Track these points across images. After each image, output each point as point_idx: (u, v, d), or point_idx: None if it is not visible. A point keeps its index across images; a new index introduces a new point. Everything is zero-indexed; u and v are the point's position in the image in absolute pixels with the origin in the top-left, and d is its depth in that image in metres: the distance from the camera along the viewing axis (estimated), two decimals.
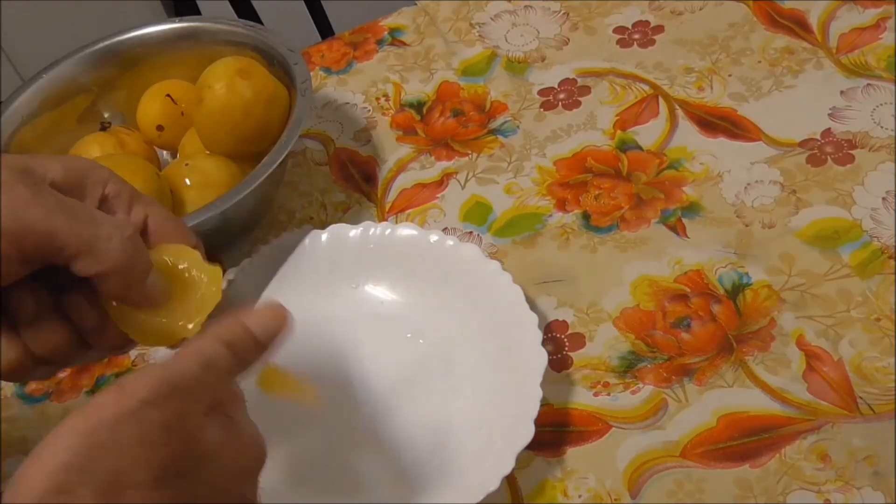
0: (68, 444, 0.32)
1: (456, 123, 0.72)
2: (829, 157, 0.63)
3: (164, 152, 0.73)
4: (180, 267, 0.41)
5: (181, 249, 0.42)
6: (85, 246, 0.37)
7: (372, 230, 0.61)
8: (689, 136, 0.67)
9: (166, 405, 0.33)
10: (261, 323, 0.38)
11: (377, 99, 0.75)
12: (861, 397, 0.51)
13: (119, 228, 0.38)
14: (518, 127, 0.70)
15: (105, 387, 0.34)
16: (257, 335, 0.38)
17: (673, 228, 0.61)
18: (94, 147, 0.66)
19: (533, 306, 0.55)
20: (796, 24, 0.73)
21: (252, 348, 0.37)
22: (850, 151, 0.63)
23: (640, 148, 0.67)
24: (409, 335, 0.58)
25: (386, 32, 0.81)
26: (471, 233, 0.64)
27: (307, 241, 0.61)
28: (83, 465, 0.31)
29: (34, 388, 0.61)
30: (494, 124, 0.71)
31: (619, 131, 0.68)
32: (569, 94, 0.72)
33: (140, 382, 0.33)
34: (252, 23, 0.70)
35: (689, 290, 0.58)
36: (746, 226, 0.60)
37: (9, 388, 0.61)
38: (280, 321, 0.39)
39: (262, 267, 0.59)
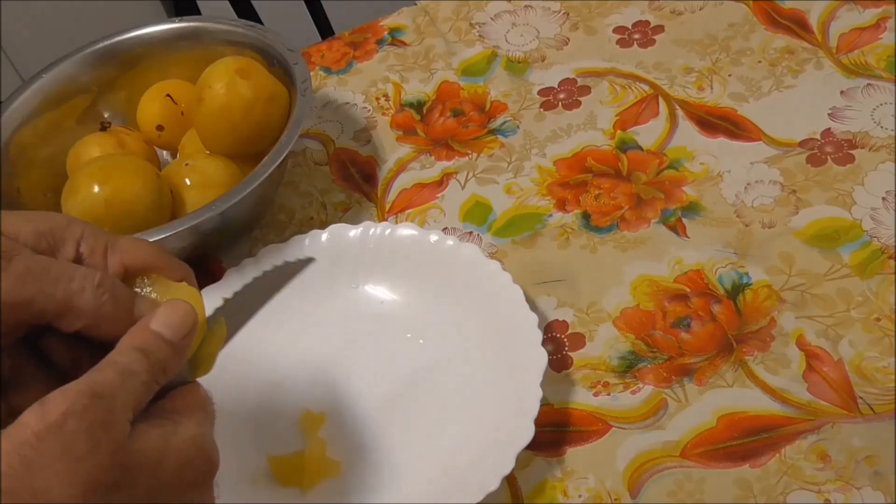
0: None
1: (456, 123, 0.72)
2: (829, 157, 0.63)
3: (164, 152, 0.73)
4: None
5: (158, 280, 0.41)
6: (62, 305, 0.37)
7: (372, 230, 0.61)
8: (689, 136, 0.67)
9: (88, 414, 0.33)
10: (167, 323, 0.37)
11: (377, 99, 0.75)
12: (861, 397, 0.51)
13: (87, 278, 0.38)
14: (518, 127, 0.70)
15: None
16: (165, 335, 0.37)
17: (673, 228, 0.61)
18: (94, 147, 0.66)
19: (533, 306, 0.55)
20: (796, 24, 0.73)
21: (164, 349, 0.37)
22: (850, 151, 0.63)
23: (640, 148, 0.67)
24: (409, 335, 0.58)
25: (386, 32, 0.81)
26: (471, 233, 0.64)
27: (307, 241, 0.61)
28: (8, 486, 0.31)
29: None
30: (494, 124, 0.71)
31: (619, 131, 0.68)
32: (569, 94, 0.72)
33: (60, 397, 0.33)
34: (252, 23, 0.70)
35: (689, 290, 0.58)
36: (746, 226, 0.60)
37: None
38: (185, 317, 0.38)
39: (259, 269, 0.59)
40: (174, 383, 0.39)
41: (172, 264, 0.41)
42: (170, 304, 0.38)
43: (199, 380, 0.41)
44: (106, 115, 0.72)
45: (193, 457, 0.36)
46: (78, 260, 0.39)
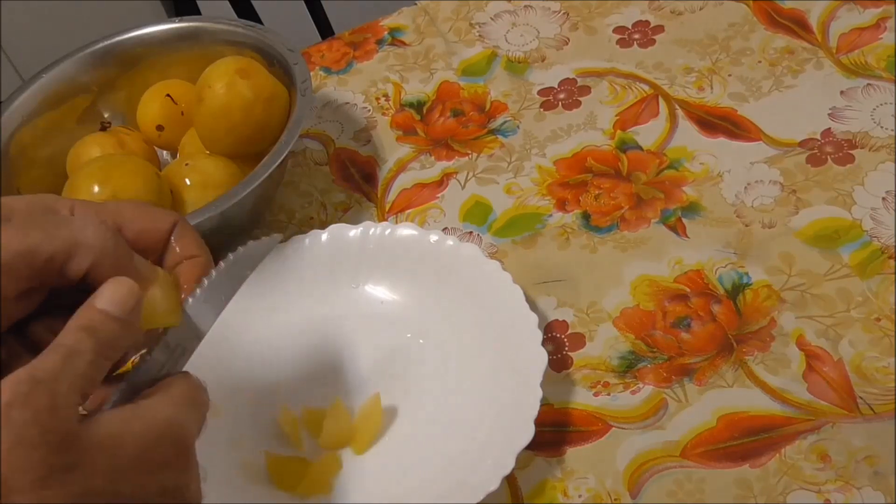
0: None
1: (456, 123, 0.72)
2: (829, 157, 0.63)
3: (164, 152, 0.73)
4: None
5: None
6: (68, 244, 0.38)
7: (372, 230, 0.61)
8: (689, 136, 0.67)
9: (32, 402, 0.33)
10: (111, 299, 0.37)
11: (377, 99, 0.75)
12: (861, 397, 0.51)
13: (87, 217, 0.39)
14: (518, 127, 0.70)
15: None
16: (112, 312, 0.37)
17: (673, 228, 0.61)
18: (94, 147, 0.66)
19: (533, 306, 0.55)
20: (796, 24, 0.73)
21: (110, 325, 0.37)
22: (850, 151, 0.63)
23: (640, 148, 0.67)
24: (409, 335, 0.58)
25: (386, 32, 0.81)
26: (471, 233, 0.64)
27: (307, 241, 0.61)
28: None
29: None
30: (494, 124, 0.71)
31: (619, 131, 0.68)
32: (569, 94, 0.72)
33: (2, 388, 0.33)
34: (252, 23, 0.70)
35: (689, 290, 0.58)
36: (746, 226, 0.60)
37: None
38: (130, 292, 0.38)
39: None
40: (162, 375, 0.39)
41: (162, 220, 0.42)
42: (114, 281, 0.38)
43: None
44: (106, 115, 0.72)
45: (161, 437, 0.36)
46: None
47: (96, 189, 0.59)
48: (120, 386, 0.39)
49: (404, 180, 0.69)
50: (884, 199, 0.60)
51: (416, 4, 0.83)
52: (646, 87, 0.71)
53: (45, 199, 0.40)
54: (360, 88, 0.77)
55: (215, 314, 0.42)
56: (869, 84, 0.67)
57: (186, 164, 0.64)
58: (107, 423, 0.35)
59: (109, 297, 0.37)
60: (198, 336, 0.41)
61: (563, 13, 0.79)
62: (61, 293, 0.40)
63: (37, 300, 0.39)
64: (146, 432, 0.36)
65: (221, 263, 0.42)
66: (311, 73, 0.75)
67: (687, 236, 0.61)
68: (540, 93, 0.73)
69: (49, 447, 0.33)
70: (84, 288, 0.39)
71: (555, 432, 0.53)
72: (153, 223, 0.41)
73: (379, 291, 0.60)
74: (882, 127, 0.64)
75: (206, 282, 0.42)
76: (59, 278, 0.38)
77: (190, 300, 0.41)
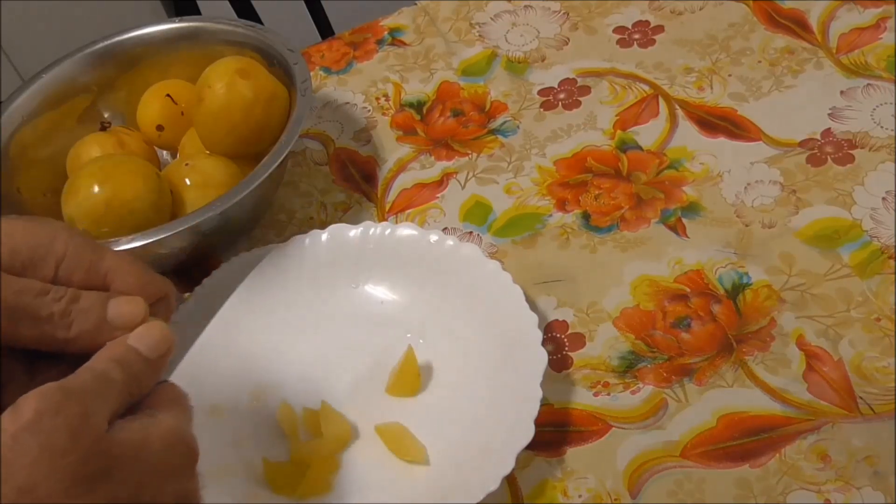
0: None
1: (456, 123, 0.72)
2: (829, 157, 0.63)
3: (164, 152, 0.73)
4: None
5: None
6: (34, 342, 0.37)
7: (372, 230, 0.61)
8: (689, 136, 0.67)
9: (64, 410, 0.33)
10: (143, 341, 0.38)
11: (377, 99, 0.75)
12: (861, 397, 0.51)
13: (59, 301, 0.38)
14: (518, 127, 0.70)
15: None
16: (142, 351, 0.38)
17: (673, 228, 0.61)
18: (94, 147, 0.66)
19: (533, 306, 0.55)
20: (796, 24, 0.73)
21: (139, 363, 0.38)
22: (850, 151, 0.63)
23: (640, 148, 0.67)
24: (408, 335, 0.58)
25: (386, 32, 0.81)
26: (471, 233, 0.64)
27: (307, 241, 0.61)
28: None
29: None
30: (494, 124, 0.71)
31: (619, 131, 0.68)
32: (569, 94, 0.72)
33: (33, 396, 0.33)
34: (252, 23, 0.70)
35: (689, 290, 0.58)
36: (746, 226, 0.60)
37: None
38: (162, 337, 0.39)
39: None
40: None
41: (153, 284, 0.41)
42: (149, 324, 0.39)
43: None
44: (106, 115, 0.72)
45: (173, 444, 0.37)
46: (55, 280, 0.39)
47: (96, 189, 0.59)
48: None
49: (404, 180, 0.69)
50: (884, 199, 0.60)
51: (416, 4, 0.83)
52: (646, 87, 0.71)
53: (37, 241, 0.38)
54: (360, 88, 0.77)
55: (202, 326, 0.42)
56: (869, 84, 0.67)
57: (186, 164, 0.64)
58: (128, 430, 0.35)
59: (142, 337, 0.38)
60: (184, 346, 0.42)
61: (563, 13, 0.79)
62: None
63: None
64: (163, 439, 0.36)
65: (207, 278, 0.43)
66: (311, 73, 0.75)
67: (687, 236, 0.61)
68: (540, 93, 0.73)
69: (79, 454, 0.33)
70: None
71: (555, 432, 0.53)
72: (141, 290, 0.41)
73: (379, 291, 0.60)
74: (882, 127, 0.64)
75: (194, 294, 0.42)
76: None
77: (174, 316, 0.41)
